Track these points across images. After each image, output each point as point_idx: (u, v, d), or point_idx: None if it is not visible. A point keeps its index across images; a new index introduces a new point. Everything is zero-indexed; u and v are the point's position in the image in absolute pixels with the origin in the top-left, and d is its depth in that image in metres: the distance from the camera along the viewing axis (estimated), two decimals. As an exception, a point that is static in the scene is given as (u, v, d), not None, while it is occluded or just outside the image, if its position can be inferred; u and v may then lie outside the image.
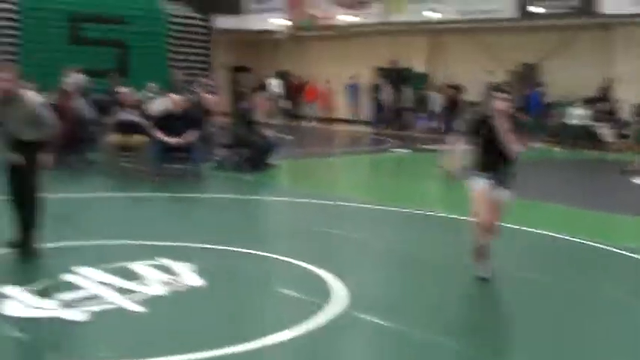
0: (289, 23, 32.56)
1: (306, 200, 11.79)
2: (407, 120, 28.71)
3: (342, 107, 31.89)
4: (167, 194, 12.20)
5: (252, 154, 14.64)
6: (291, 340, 5.48)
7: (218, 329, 5.84)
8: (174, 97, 13.28)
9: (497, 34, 27.00)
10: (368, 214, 11.05)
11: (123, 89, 14.18)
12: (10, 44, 27.68)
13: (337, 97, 31.81)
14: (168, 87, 26.60)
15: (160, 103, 15.17)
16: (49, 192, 8.00)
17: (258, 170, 14.42)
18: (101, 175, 13.81)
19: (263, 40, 34.34)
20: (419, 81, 29.35)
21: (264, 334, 5.53)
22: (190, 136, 13.24)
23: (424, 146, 21.51)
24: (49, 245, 7.74)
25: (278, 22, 32.61)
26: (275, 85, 31.40)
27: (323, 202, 11.57)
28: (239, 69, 34.32)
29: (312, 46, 33.14)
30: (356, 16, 29.38)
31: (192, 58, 31.12)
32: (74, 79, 24.02)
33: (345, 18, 29.53)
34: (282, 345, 5.41)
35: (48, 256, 7.61)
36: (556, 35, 25.49)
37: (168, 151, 13.35)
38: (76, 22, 28.57)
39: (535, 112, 23.45)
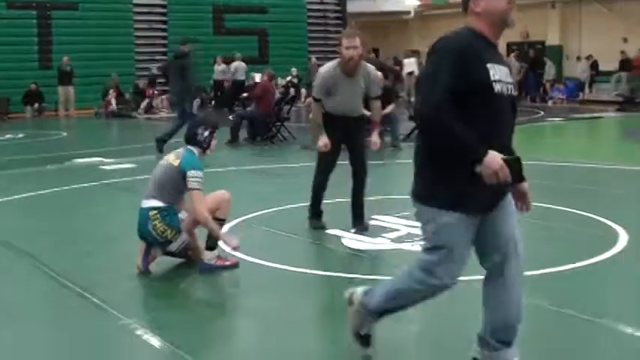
0: (419, 3, 33.53)
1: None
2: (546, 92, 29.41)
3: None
4: (390, 161, 13.43)
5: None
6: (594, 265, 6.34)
7: (533, 254, 6.70)
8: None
9: (634, 0, 27.43)
10: (602, 171, 11.87)
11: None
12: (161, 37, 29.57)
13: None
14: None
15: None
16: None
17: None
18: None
19: (392, 21, 35.41)
20: (554, 53, 29.98)
21: (573, 259, 6.39)
22: (388, 110, 14.36)
23: (575, 115, 22.38)
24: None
25: (408, 2, 33.61)
26: (410, 63, 32.31)
27: (543, 163, 12.23)
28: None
29: (441, 24, 33.94)
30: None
31: (329, 42, 32.39)
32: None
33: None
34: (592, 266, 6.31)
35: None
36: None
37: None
38: (219, 13, 30.22)
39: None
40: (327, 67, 7.59)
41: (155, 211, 6.19)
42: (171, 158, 6.33)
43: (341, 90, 7.43)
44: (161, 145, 14.08)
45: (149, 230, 6.21)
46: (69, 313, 5.53)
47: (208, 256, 6.34)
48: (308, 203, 7.97)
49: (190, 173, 6.11)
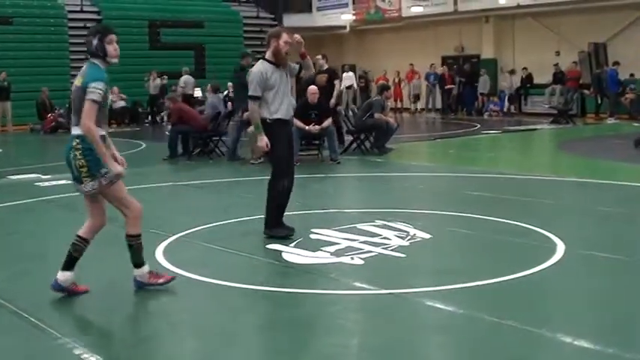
0: (355, 18, 33.75)
1: (456, 174, 12.95)
2: (481, 105, 29.82)
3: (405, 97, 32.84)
4: (329, 175, 13.42)
5: (377, 139, 15.83)
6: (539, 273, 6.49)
7: (472, 266, 6.87)
8: (312, 88, 14.37)
9: (566, 15, 28.02)
10: (537, 182, 12.04)
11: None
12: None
13: (405, 87, 32.76)
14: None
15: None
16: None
17: (382, 153, 15.58)
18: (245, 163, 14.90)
19: (328, 36, 35.55)
20: (488, 67, 30.42)
21: (512, 271, 6.48)
22: (326, 124, 14.43)
23: (511, 127, 22.83)
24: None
25: (344, 17, 33.80)
26: (348, 77, 32.47)
27: (479, 175, 12.61)
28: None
29: (376, 39, 34.27)
30: (423, 7, 30.44)
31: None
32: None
33: (412, 9, 30.57)
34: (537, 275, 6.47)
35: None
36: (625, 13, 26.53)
37: (305, 138, 14.66)
38: (155, 28, 30.03)
39: (613, 89, 24.51)
40: (256, 65, 8.00)
41: (78, 140, 5.82)
42: (77, 80, 5.91)
43: (277, 81, 7.83)
44: (232, 155, 15.31)
45: (70, 159, 5.89)
46: (4, 332, 5.39)
47: (139, 273, 6.21)
48: (262, 216, 8.06)
49: (91, 85, 5.72)
